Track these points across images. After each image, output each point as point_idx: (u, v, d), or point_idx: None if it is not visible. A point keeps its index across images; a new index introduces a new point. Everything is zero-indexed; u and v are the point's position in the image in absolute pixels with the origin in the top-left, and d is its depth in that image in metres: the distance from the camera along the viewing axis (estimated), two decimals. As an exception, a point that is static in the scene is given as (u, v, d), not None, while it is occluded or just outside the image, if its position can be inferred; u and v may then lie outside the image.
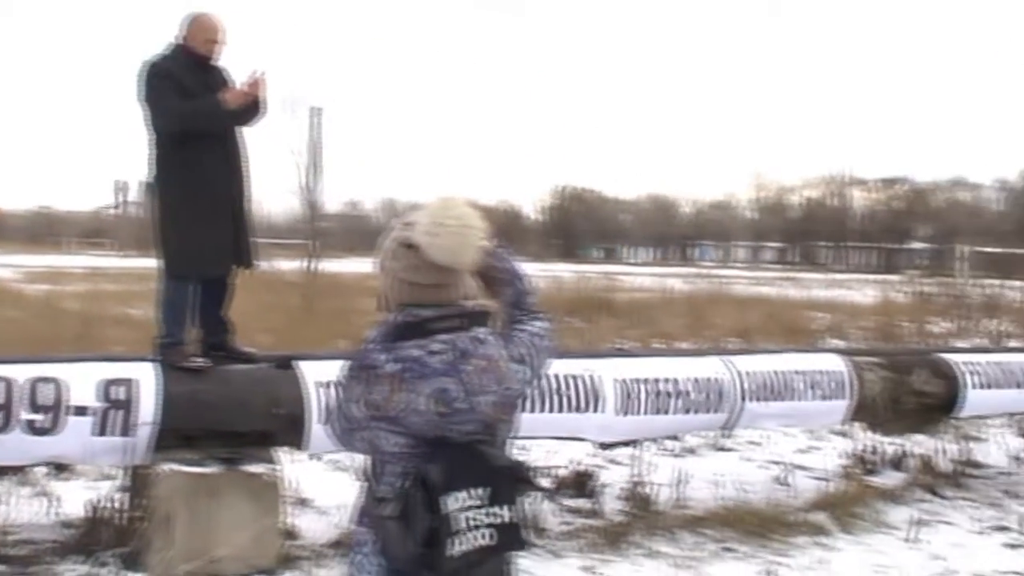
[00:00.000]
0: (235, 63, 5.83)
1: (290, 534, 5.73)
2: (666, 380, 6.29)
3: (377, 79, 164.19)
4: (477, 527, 2.28)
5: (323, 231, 27.02)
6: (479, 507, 2.29)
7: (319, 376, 5.37)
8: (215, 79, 5.65)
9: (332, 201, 69.41)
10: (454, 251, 2.35)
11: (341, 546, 5.39)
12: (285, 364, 5.60)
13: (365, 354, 2.39)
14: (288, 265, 18.64)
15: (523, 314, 2.55)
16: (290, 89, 18.30)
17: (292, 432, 5.41)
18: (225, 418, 5.26)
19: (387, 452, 2.35)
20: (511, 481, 2.37)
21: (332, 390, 5.23)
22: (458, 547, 2.26)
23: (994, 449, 8.89)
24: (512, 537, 2.34)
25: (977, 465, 8.34)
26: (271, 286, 15.57)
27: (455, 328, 2.38)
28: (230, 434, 5.28)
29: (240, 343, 5.82)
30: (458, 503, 2.27)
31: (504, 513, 2.32)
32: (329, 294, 16.23)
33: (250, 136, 5.85)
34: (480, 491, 2.29)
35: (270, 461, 5.42)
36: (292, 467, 6.25)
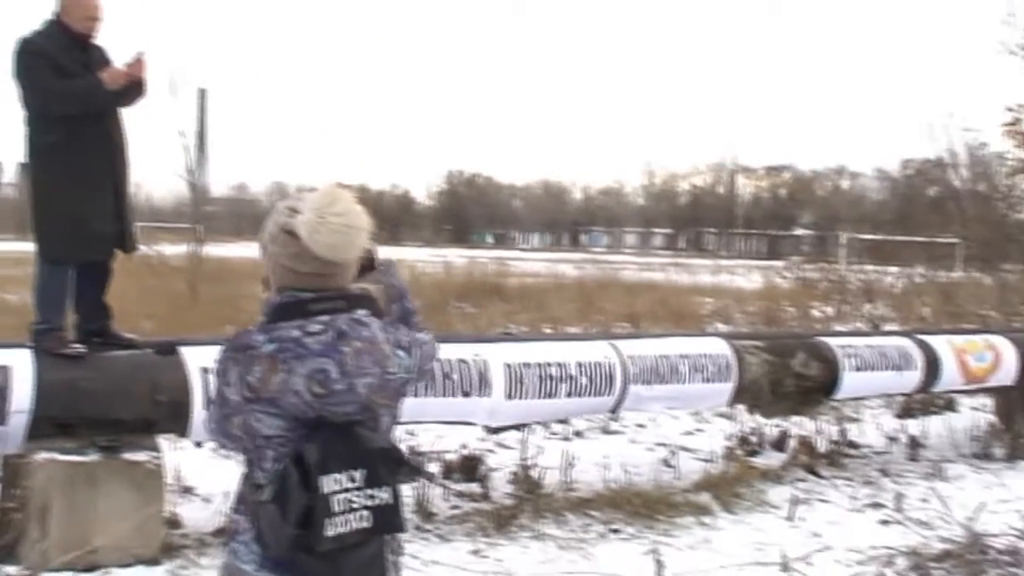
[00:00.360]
0: (115, 42, 5.68)
1: (173, 523, 5.64)
2: (554, 364, 6.33)
3: (265, 60, 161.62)
4: (354, 509, 2.26)
5: (209, 215, 26.54)
6: (356, 489, 2.27)
7: (203, 362, 5.27)
8: (93, 58, 5.48)
9: (219, 184, 68.29)
10: (335, 247, 2.32)
11: (225, 534, 5.31)
12: (168, 350, 5.49)
13: (243, 335, 2.36)
14: (173, 250, 18.27)
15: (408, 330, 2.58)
16: (174, 69, 17.81)
17: (175, 419, 5.31)
18: (104, 405, 5.13)
19: (264, 436, 2.31)
20: (389, 463, 2.35)
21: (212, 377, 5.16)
22: (334, 528, 2.24)
23: (871, 430, 9.18)
24: (390, 519, 2.33)
25: (854, 445, 8.61)
26: (155, 271, 15.25)
27: (335, 310, 2.36)
28: (110, 422, 5.15)
29: (120, 329, 5.68)
30: (335, 485, 2.25)
31: (381, 495, 2.30)
32: (215, 279, 15.93)
33: (132, 117, 5.72)
34: (357, 473, 2.27)
35: (152, 449, 5.32)
36: (175, 454, 6.15)
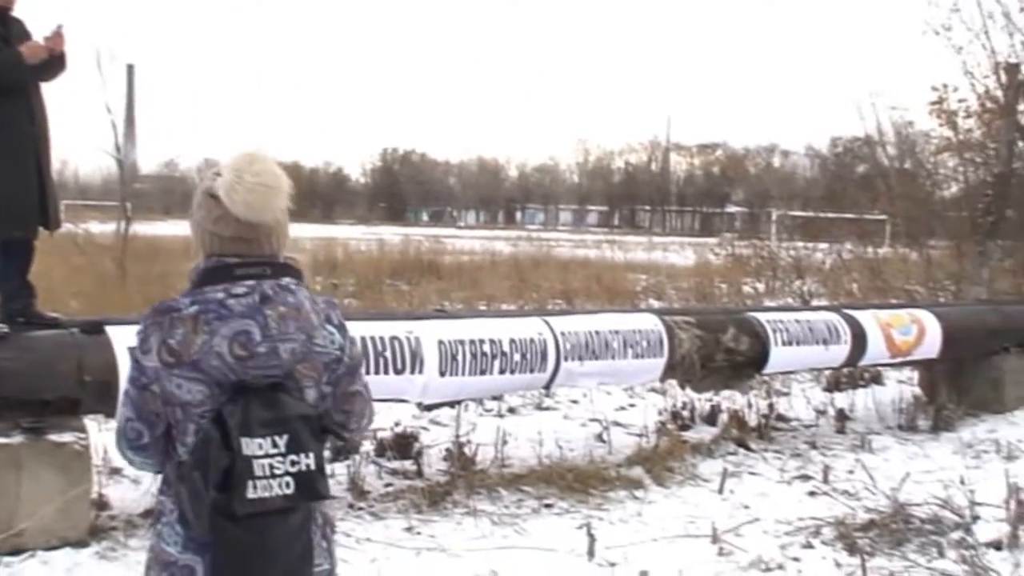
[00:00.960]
0: (37, 15, 5.55)
1: (101, 504, 5.57)
2: (487, 341, 6.33)
3: (197, 35, 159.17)
4: (276, 475, 2.25)
5: (138, 192, 26.14)
6: (278, 455, 2.26)
7: (131, 341, 5.18)
8: (12, 31, 5.35)
9: (148, 162, 67.24)
10: (251, 206, 2.30)
11: (152, 515, 5.26)
12: (94, 329, 5.40)
13: (166, 302, 2.34)
14: (101, 228, 17.97)
15: None
16: (101, 44, 17.52)
17: (102, 399, 5.22)
18: (29, 386, 5.02)
19: (184, 404, 2.29)
20: (312, 429, 2.34)
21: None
22: (256, 492, 2.22)
23: (799, 403, 9.32)
24: (312, 486, 2.31)
25: (783, 419, 8.74)
26: (82, 250, 14.99)
27: (261, 276, 2.35)
28: (34, 403, 5.05)
29: (45, 309, 5.57)
30: (256, 449, 2.24)
31: (305, 461, 2.29)
32: (144, 258, 15.71)
33: (58, 93, 5.60)
34: (279, 438, 2.26)
35: (79, 430, 5.24)
36: (103, 436, 6.06)
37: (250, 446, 2.23)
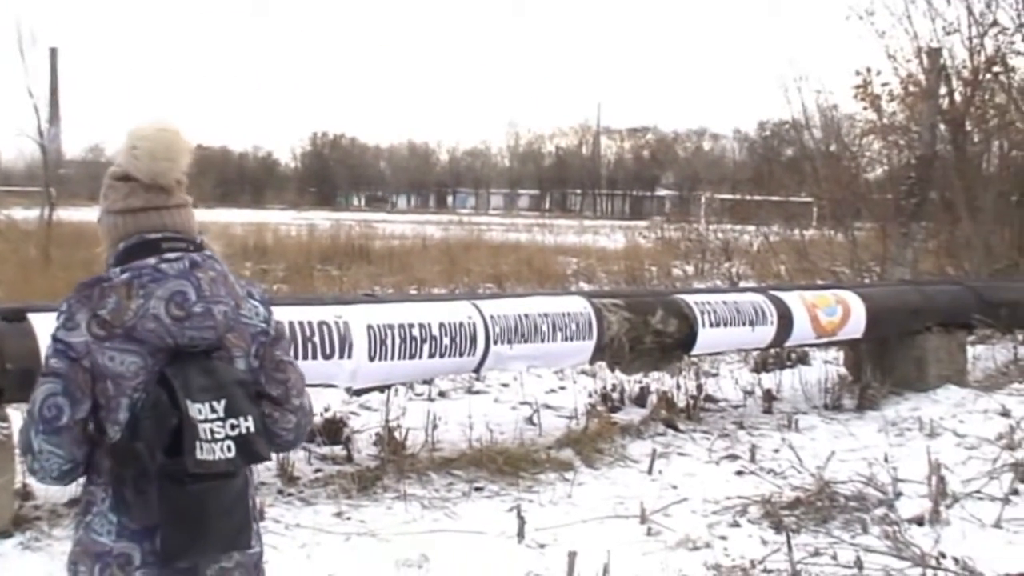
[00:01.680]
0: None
1: (25, 495, 5.48)
2: (416, 325, 6.31)
3: (121, 18, 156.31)
4: (216, 439, 2.26)
5: (62, 178, 25.67)
6: (218, 419, 2.27)
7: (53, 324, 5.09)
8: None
9: (73, 146, 65.91)
10: (154, 160, 2.36)
11: (78, 504, 5.19)
12: (16, 316, 5.29)
13: (93, 276, 2.33)
14: (24, 214, 17.66)
15: None
16: (23, 27, 17.14)
17: (24, 388, 5.08)
18: (-54, 375, 4.92)
19: (117, 375, 2.26)
20: (248, 394, 2.36)
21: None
22: (202, 453, 2.24)
23: (727, 384, 9.44)
24: (252, 448, 2.33)
25: (712, 399, 8.84)
26: (4, 236, 14.71)
27: (185, 249, 2.38)
28: (-46, 392, 4.96)
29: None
30: (198, 413, 2.25)
31: (243, 424, 2.31)
32: (69, 244, 15.43)
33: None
34: (216, 403, 2.28)
35: (1, 419, 5.14)
36: (25, 425, 5.95)
37: (191, 409, 2.25)
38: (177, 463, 2.22)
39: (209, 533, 2.30)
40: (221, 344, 2.36)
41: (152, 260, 2.32)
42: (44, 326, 5.12)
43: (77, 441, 2.30)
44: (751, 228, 21.50)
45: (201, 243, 2.44)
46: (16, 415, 5.57)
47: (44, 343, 5.02)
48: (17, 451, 5.36)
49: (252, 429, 2.32)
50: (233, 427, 2.28)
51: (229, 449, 2.28)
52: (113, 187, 2.42)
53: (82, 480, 2.40)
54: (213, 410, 2.27)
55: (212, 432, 2.26)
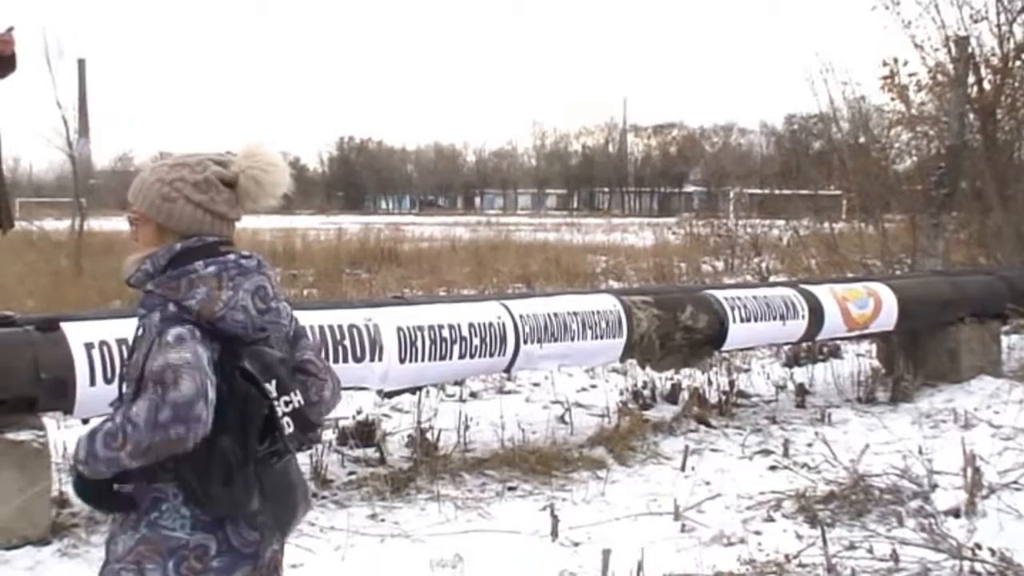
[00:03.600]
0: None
1: (61, 502, 5.52)
2: (446, 326, 6.33)
3: (147, 28, 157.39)
4: (281, 416, 2.39)
5: (92, 188, 25.89)
6: (274, 399, 2.38)
7: (87, 337, 5.14)
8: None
9: (102, 156, 66.39)
10: (274, 185, 2.50)
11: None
12: (49, 326, 5.34)
13: (174, 269, 2.39)
14: (55, 225, 17.82)
15: None
16: (51, 39, 17.30)
17: (59, 396, 5.17)
18: (-17, 385, 4.97)
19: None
20: (289, 370, 2.47)
21: (104, 352, 5.05)
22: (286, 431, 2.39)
23: (759, 379, 9.40)
24: (307, 420, 2.45)
25: (744, 395, 8.81)
26: (36, 247, 14.84)
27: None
28: (-10, 402, 5.01)
29: (-2, 307, 5.52)
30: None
31: (295, 399, 2.42)
32: (100, 254, 15.56)
33: (8, 89, 5.53)
34: (269, 385, 2.37)
35: (37, 428, 5.19)
36: (63, 432, 6.02)
37: (271, 394, 2.38)
38: (273, 447, 2.38)
39: (298, 503, 2.51)
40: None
41: (232, 256, 2.42)
42: (77, 335, 5.18)
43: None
44: (780, 222, 21.39)
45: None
46: (51, 423, 5.63)
47: (77, 352, 5.10)
48: (53, 459, 5.42)
49: (302, 402, 2.44)
50: (287, 403, 2.39)
51: (289, 425, 2.39)
52: (215, 187, 2.48)
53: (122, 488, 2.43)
54: (271, 389, 2.38)
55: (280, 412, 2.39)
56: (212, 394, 2.26)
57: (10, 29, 5.29)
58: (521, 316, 6.64)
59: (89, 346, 5.11)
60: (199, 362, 2.26)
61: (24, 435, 5.07)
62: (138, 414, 2.24)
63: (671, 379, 8.77)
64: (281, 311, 2.47)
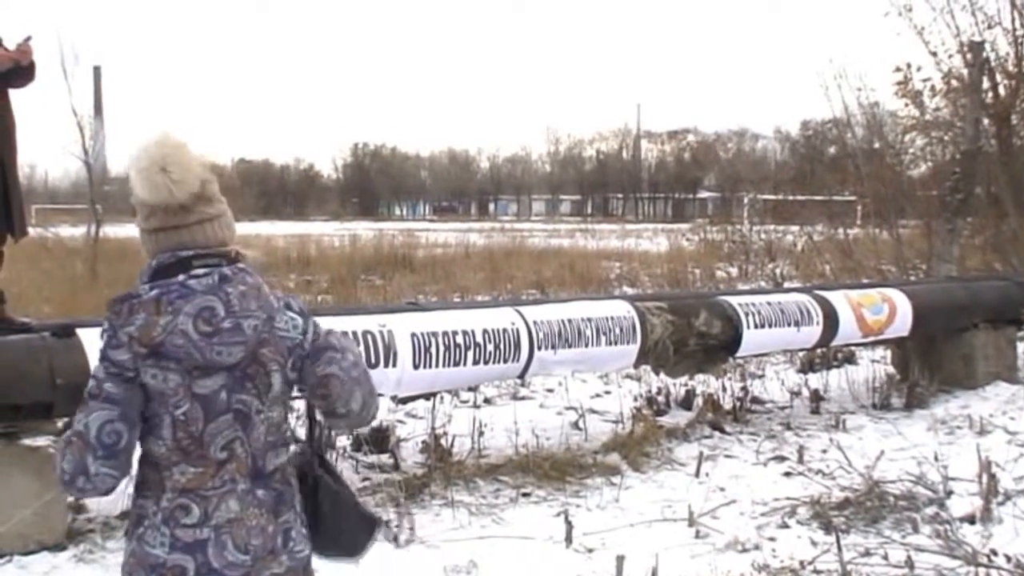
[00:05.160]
0: (6, 19, 5.51)
1: (77, 508, 5.55)
2: (460, 332, 6.33)
3: (163, 35, 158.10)
4: None
5: (108, 194, 25.99)
6: None
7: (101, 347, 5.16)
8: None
9: (117, 163, 66.63)
10: (149, 188, 2.33)
11: (129, 519, 5.25)
12: (65, 332, 5.37)
13: (122, 293, 2.34)
14: (71, 231, 17.91)
15: None
16: (67, 46, 17.40)
17: (75, 402, 5.15)
18: (1, 391, 5.00)
19: (160, 392, 2.31)
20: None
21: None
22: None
23: (774, 385, 9.38)
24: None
25: (758, 401, 8.80)
26: (52, 254, 14.92)
27: (217, 265, 2.38)
28: (7, 407, 5.03)
29: (14, 314, 5.54)
30: None
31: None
32: (115, 260, 15.64)
33: (24, 96, 5.56)
34: None
35: (53, 433, 5.22)
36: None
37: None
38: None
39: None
40: (255, 358, 2.37)
41: (180, 277, 2.32)
42: (93, 341, 5.20)
43: (131, 457, 2.34)
44: (794, 228, 21.35)
45: (235, 255, 2.42)
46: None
47: (93, 358, 5.11)
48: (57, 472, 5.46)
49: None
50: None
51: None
52: (136, 207, 2.41)
53: (131, 491, 2.44)
54: None
55: None
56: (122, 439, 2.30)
57: (28, 39, 5.32)
58: (535, 322, 6.65)
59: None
60: (87, 431, 2.28)
61: (40, 441, 5.11)
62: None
63: (685, 385, 8.77)
64: (244, 328, 2.32)
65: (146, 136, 2.37)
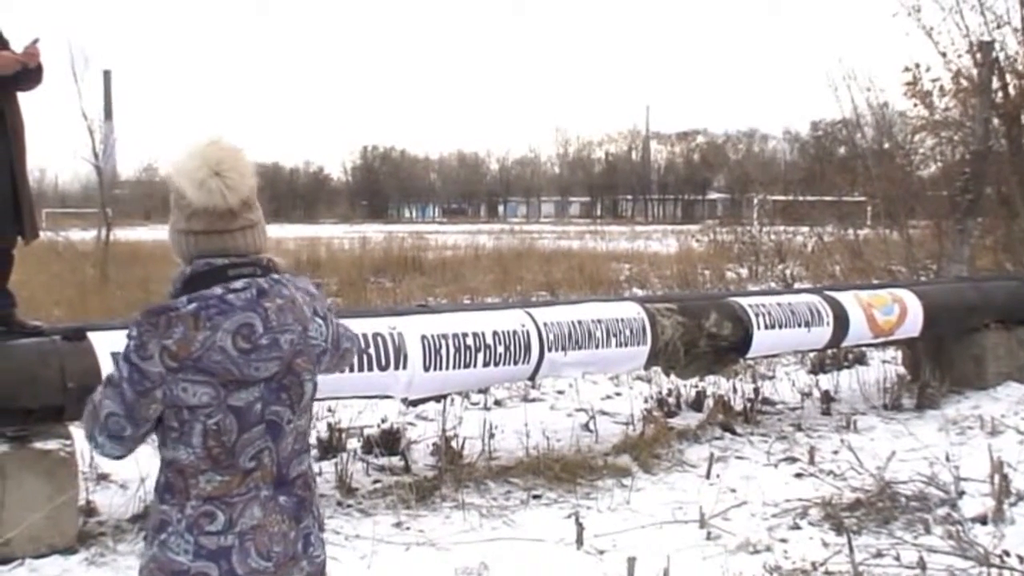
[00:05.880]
0: (14, 21, 5.52)
1: (89, 511, 5.57)
2: (470, 334, 6.33)
3: (172, 39, 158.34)
4: None
5: (118, 198, 26.07)
6: None
7: (114, 346, 5.16)
8: (-16, 39, 5.32)
9: (127, 167, 66.90)
10: (197, 189, 2.31)
11: (141, 519, 5.27)
12: (76, 336, 5.38)
13: (159, 303, 2.32)
14: (81, 235, 17.96)
15: None
16: (76, 49, 17.46)
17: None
18: (11, 395, 4.99)
19: (192, 406, 2.29)
20: None
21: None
22: None
23: (784, 386, 9.36)
24: None
25: (769, 402, 8.78)
26: (62, 257, 14.96)
27: (252, 274, 2.36)
28: (18, 411, 5.04)
29: (26, 317, 5.55)
30: None
31: None
32: (126, 263, 15.68)
33: (34, 100, 5.57)
34: None
35: (64, 437, 5.23)
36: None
37: None
38: None
39: None
40: (290, 369, 2.38)
41: (219, 290, 2.30)
42: (104, 344, 5.22)
43: (137, 443, 2.38)
44: (804, 229, 21.32)
45: (269, 263, 2.41)
46: (78, 433, 5.67)
47: (104, 361, 5.13)
48: (80, 468, 5.47)
49: None
50: None
51: None
52: (178, 206, 2.38)
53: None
54: None
55: None
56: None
57: (35, 41, 5.32)
58: (545, 324, 6.64)
59: (116, 355, 5.13)
60: (99, 409, 2.32)
61: (51, 444, 5.12)
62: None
63: (696, 386, 8.76)
64: (280, 343, 2.33)
65: (196, 139, 2.36)
